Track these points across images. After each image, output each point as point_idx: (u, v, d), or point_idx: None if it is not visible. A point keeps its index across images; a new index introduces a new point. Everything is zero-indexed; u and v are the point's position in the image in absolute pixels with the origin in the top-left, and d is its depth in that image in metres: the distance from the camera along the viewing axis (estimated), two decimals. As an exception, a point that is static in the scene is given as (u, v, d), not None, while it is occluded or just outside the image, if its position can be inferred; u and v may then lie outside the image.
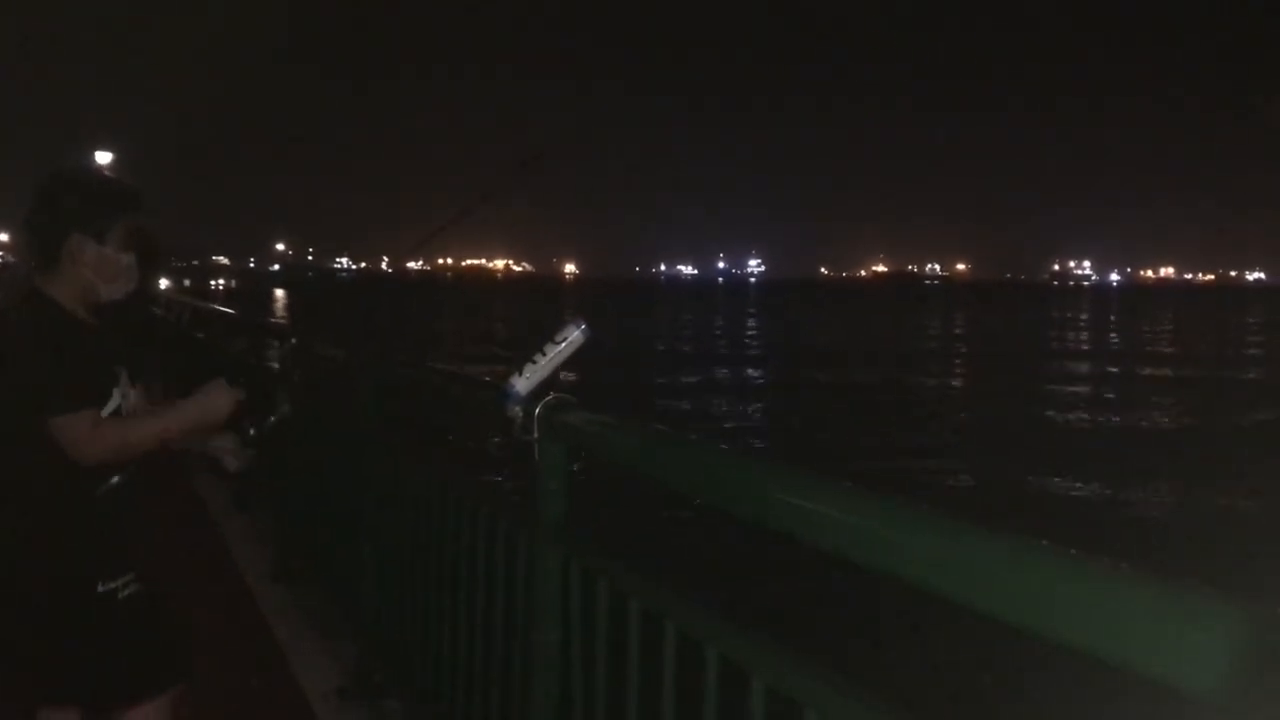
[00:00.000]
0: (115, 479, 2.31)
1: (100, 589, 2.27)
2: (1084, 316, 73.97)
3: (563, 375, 2.07)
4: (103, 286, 2.33)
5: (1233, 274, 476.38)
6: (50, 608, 2.27)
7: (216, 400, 2.36)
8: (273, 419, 2.68)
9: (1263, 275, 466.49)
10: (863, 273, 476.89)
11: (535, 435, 2.08)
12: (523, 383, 2.08)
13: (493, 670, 2.46)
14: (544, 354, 2.08)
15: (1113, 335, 50.76)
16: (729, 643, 1.52)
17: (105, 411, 2.26)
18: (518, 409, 2.09)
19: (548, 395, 2.08)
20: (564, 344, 2.08)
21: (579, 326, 2.09)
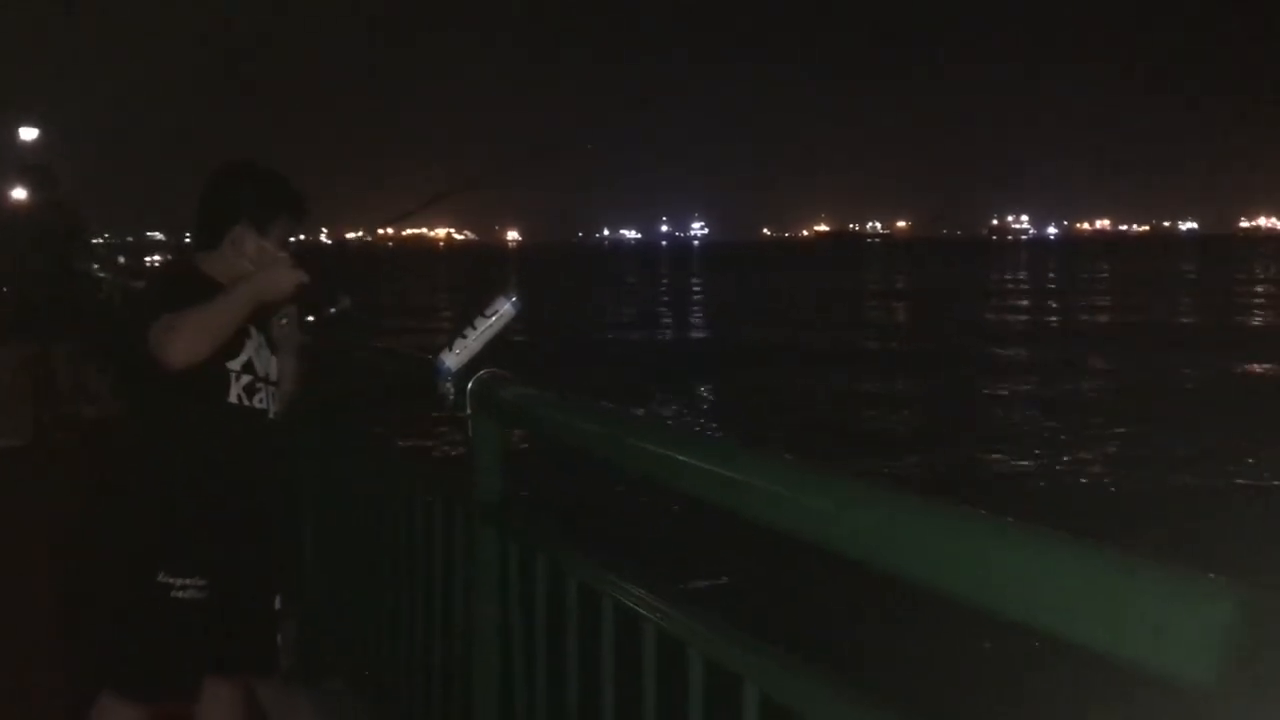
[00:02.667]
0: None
1: (160, 578, 2.26)
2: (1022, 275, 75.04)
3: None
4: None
5: (1166, 224, 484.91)
6: (108, 581, 2.34)
7: (278, 277, 2.33)
8: (333, 310, 2.60)
9: (1195, 225, 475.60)
10: (805, 232, 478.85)
11: (468, 411, 2.04)
12: (453, 358, 2.04)
13: (433, 648, 2.43)
14: (474, 328, 2.04)
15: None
16: (667, 617, 1.50)
17: (236, 363, 2.32)
18: (449, 385, 2.05)
19: (480, 370, 2.05)
20: (494, 317, 2.04)
21: (510, 299, 2.05)
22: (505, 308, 2.04)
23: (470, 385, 2.02)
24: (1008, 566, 0.92)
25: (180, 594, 2.28)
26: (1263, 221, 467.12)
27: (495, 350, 2.05)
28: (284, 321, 2.53)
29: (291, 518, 3.26)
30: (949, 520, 1.01)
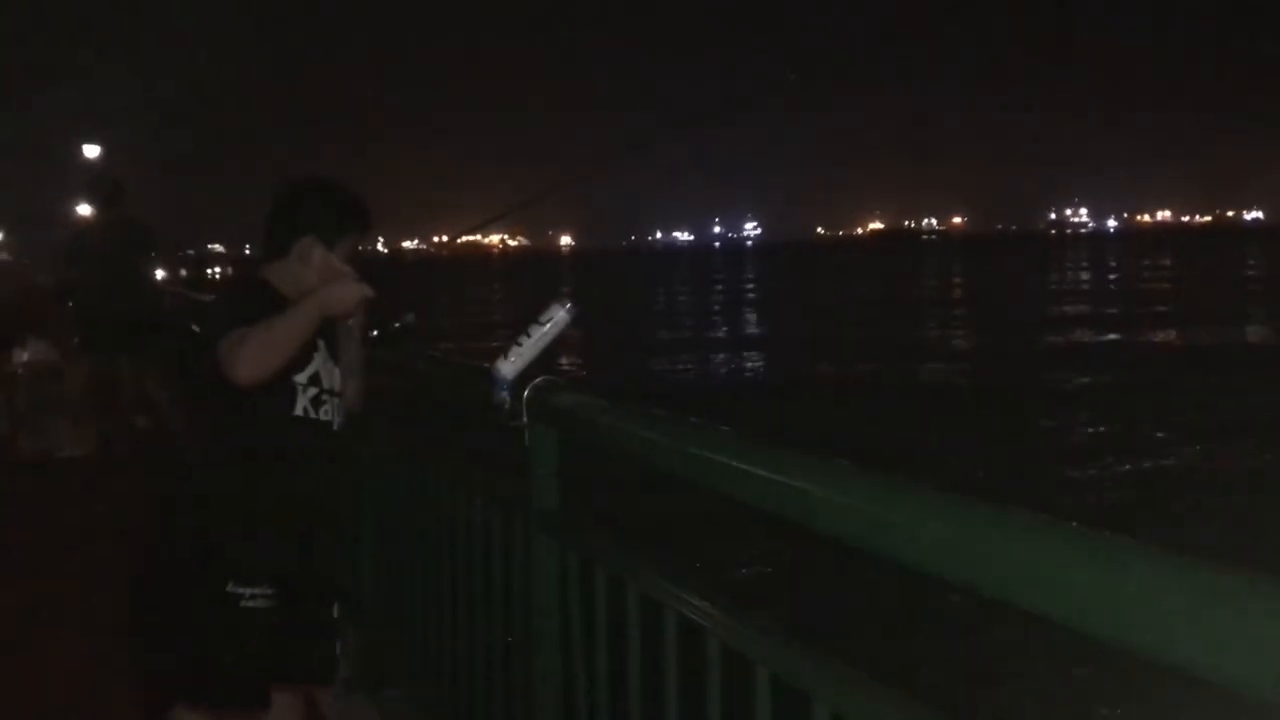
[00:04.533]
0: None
1: (229, 588, 2.28)
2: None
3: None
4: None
5: (1230, 214, 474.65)
6: (179, 590, 2.37)
7: (344, 292, 2.34)
8: (396, 325, 2.62)
9: (1260, 215, 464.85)
10: (859, 230, 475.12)
11: (524, 420, 2.02)
12: (508, 366, 2.02)
13: (494, 657, 2.42)
14: (529, 335, 2.02)
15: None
16: (730, 630, 1.47)
17: (303, 376, 2.34)
18: (505, 394, 2.03)
19: (536, 378, 2.03)
20: (549, 325, 2.01)
21: (564, 306, 2.03)
22: (560, 314, 2.02)
23: (526, 393, 2.00)
24: (1083, 578, 0.89)
25: (249, 603, 2.30)
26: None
27: (551, 359, 2.03)
28: (352, 332, 2.55)
29: (352, 527, 3.28)
30: (1032, 532, 0.97)
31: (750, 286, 55.53)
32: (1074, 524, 0.94)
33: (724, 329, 27.05)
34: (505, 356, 2.03)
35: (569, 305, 2.03)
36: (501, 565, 2.30)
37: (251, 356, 2.14)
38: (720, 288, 53.30)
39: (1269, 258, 71.49)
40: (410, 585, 3.01)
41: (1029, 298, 37.32)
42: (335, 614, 2.57)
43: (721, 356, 19.07)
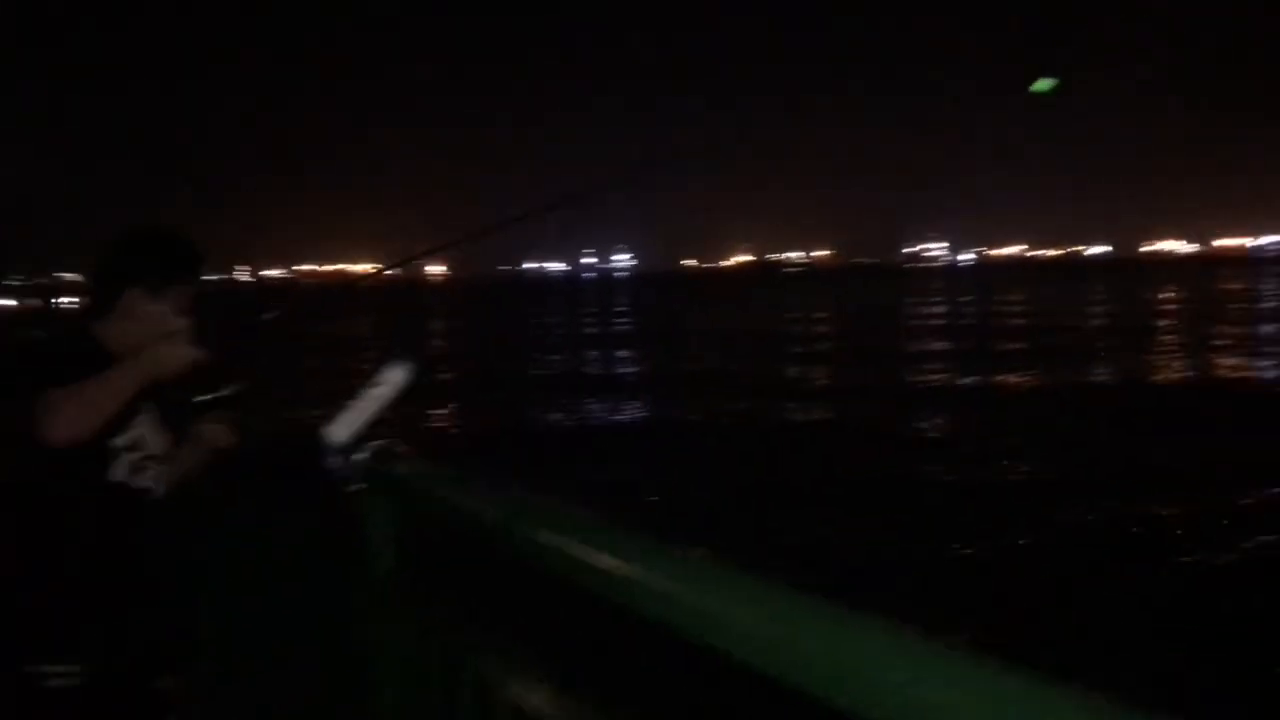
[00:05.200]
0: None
1: (30, 668, 2.11)
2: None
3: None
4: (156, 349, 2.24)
5: (1077, 249, 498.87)
6: None
7: (171, 355, 2.23)
8: (225, 392, 2.47)
9: (1105, 249, 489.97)
10: (728, 262, 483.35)
11: (358, 486, 1.94)
12: (340, 429, 1.94)
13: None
14: (363, 397, 1.95)
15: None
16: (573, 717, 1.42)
17: (123, 440, 2.21)
18: (339, 458, 1.95)
19: (372, 441, 1.95)
20: (385, 386, 1.95)
21: (401, 366, 1.96)
22: (396, 375, 1.95)
23: (361, 458, 1.92)
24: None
25: (56, 683, 2.15)
26: (1165, 245, 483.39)
27: (392, 420, 1.96)
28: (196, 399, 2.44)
29: (185, 596, 3.13)
30: (843, 628, 0.96)
31: (623, 320, 55.80)
32: (889, 624, 0.93)
33: (598, 365, 26.92)
34: (338, 420, 1.95)
35: (406, 366, 1.96)
36: (337, 634, 2.21)
37: (67, 418, 2.03)
38: (592, 321, 53.42)
39: (1111, 290, 75.61)
40: (247, 655, 2.88)
41: (889, 334, 38.36)
42: (165, 687, 2.44)
43: (596, 397, 18.83)
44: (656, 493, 10.57)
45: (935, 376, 21.25)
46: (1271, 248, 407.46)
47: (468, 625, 1.73)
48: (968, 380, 20.27)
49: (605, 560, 1.27)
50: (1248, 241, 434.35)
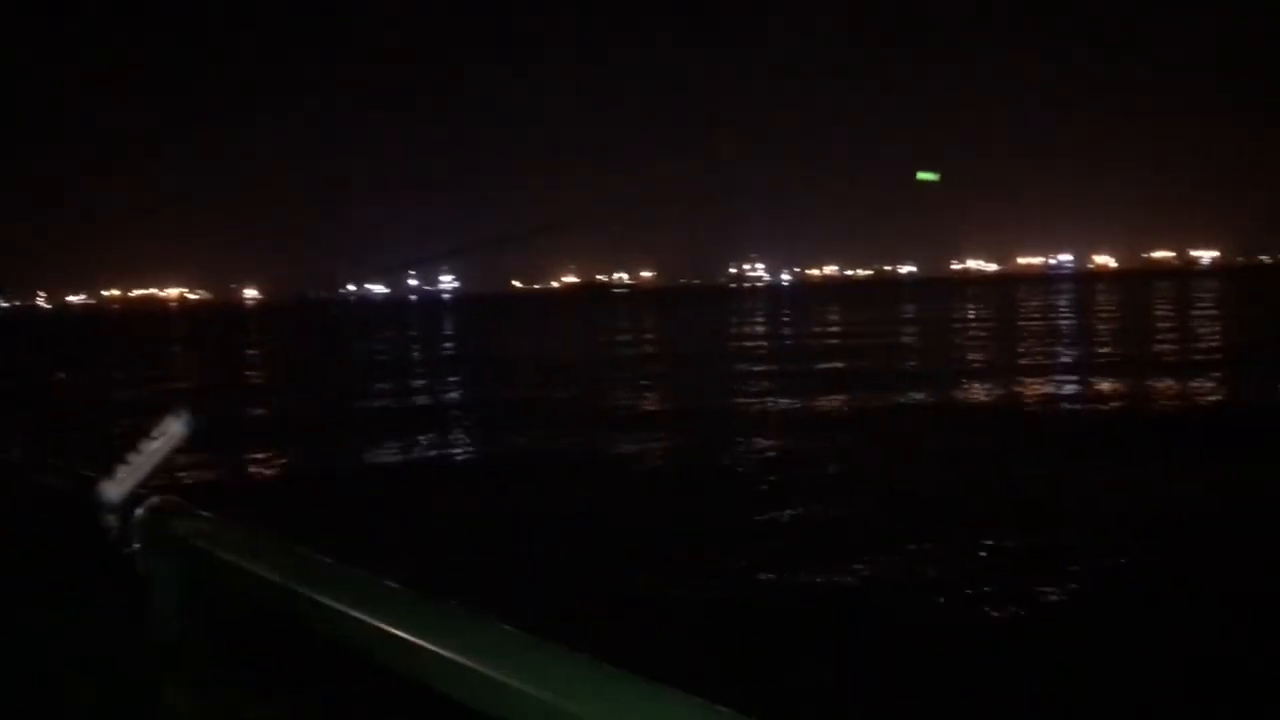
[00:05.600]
0: None
1: None
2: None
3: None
4: None
5: (887, 268, 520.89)
6: None
7: None
8: None
9: (914, 268, 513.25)
10: (554, 284, 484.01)
11: (135, 546, 1.79)
12: (115, 487, 1.78)
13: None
14: (139, 452, 1.80)
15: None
16: None
17: None
18: (111, 517, 1.79)
19: (151, 498, 1.80)
20: (162, 439, 1.80)
21: (180, 418, 1.82)
22: (175, 428, 1.81)
23: (137, 516, 1.77)
24: None
25: None
26: (972, 263, 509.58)
27: (169, 476, 1.81)
28: None
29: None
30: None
31: (448, 344, 54.95)
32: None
33: (427, 396, 26.10)
34: (113, 476, 1.79)
35: (185, 418, 1.82)
36: (117, 711, 2.03)
37: None
38: (417, 347, 52.32)
39: (921, 309, 79.27)
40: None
41: (714, 355, 38.92)
42: None
43: (424, 432, 18.04)
44: (475, 542, 10.12)
45: (758, 400, 21.55)
46: (1066, 266, 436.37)
47: (259, 699, 1.61)
48: (786, 402, 20.63)
49: (392, 628, 1.19)
50: (1046, 260, 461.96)
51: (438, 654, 1.13)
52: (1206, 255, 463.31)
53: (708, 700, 0.91)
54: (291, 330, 78.62)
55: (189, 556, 1.77)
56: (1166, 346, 33.09)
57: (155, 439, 1.80)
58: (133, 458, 1.79)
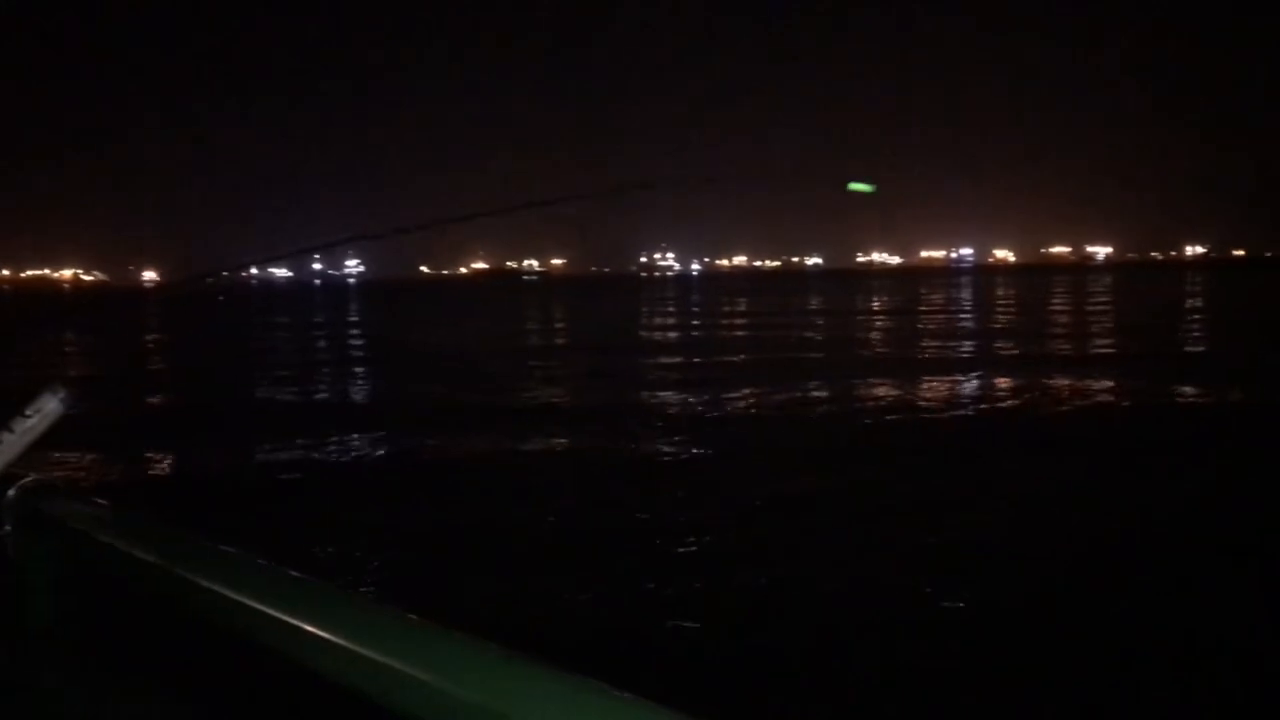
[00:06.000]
0: None
1: None
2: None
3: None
4: None
5: (795, 260, 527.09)
6: None
7: None
8: None
9: (820, 260, 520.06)
10: (463, 270, 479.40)
11: (6, 529, 1.72)
12: (-16, 466, 1.70)
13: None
14: (11, 430, 1.72)
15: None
16: None
17: None
18: (-19, 497, 1.72)
19: (25, 478, 1.73)
20: (36, 417, 1.72)
21: (56, 395, 1.74)
22: (51, 405, 1.73)
23: (8, 497, 1.70)
24: None
25: None
26: (876, 256, 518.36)
27: (39, 455, 1.74)
28: None
29: None
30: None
31: (356, 334, 53.97)
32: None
33: (331, 392, 25.00)
34: (-18, 455, 1.71)
35: (62, 394, 1.75)
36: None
37: None
38: (323, 336, 51.28)
39: (828, 300, 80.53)
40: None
41: (625, 347, 38.95)
42: None
43: (331, 432, 16.60)
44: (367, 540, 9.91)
45: (668, 394, 21.50)
46: (967, 260, 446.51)
47: (137, 684, 1.56)
48: (696, 399, 20.56)
49: (272, 609, 1.16)
50: (948, 254, 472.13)
51: (318, 635, 1.10)
52: (1101, 251, 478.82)
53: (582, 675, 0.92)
54: (191, 316, 76.54)
55: (64, 539, 1.71)
56: (1058, 345, 34.07)
57: (30, 416, 1.72)
58: (4, 436, 1.71)
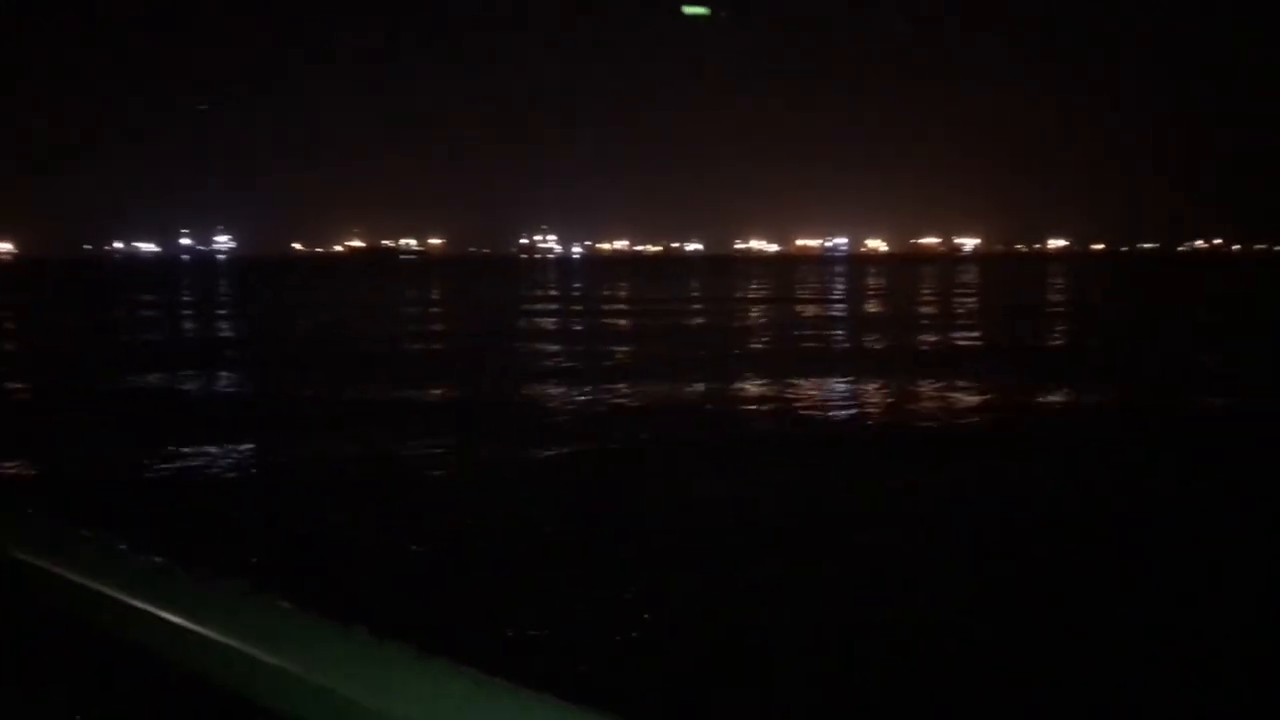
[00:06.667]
0: None
1: None
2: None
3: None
4: None
5: (675, 245, 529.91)
6: None
7: None
8: None
9: (700, 246, 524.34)
10: (338, 248, 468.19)
11: None
12: None
13: None
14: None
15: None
16: None
17: None
18: None
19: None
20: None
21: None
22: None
23: None
24: None
25: None
26: (754, 244, 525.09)
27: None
28: None
29: None
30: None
31: (223, 313, 52.28)
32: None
33: (197, 381, 23.30)
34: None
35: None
36: None
37: None
38: (190, 318, 49.48)
39: (709, 287, 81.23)
40: None
41: (507, 334, 38.63)
42: None
43: (195, 432, 15.52)
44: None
45: (551, 389, 21.44)
46: (841, 249, 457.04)
47: (33, 695, 1.52)
48: (582, 395, 20.44)
49: (164, 612, 1.11)
50: (823, 242, 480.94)
51: (211, 639, 1.06)
52: (969, 243, 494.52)
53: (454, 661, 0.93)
54: (56, 295, 73.01)
55: None
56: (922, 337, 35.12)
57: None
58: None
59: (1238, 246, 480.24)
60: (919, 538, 9.87)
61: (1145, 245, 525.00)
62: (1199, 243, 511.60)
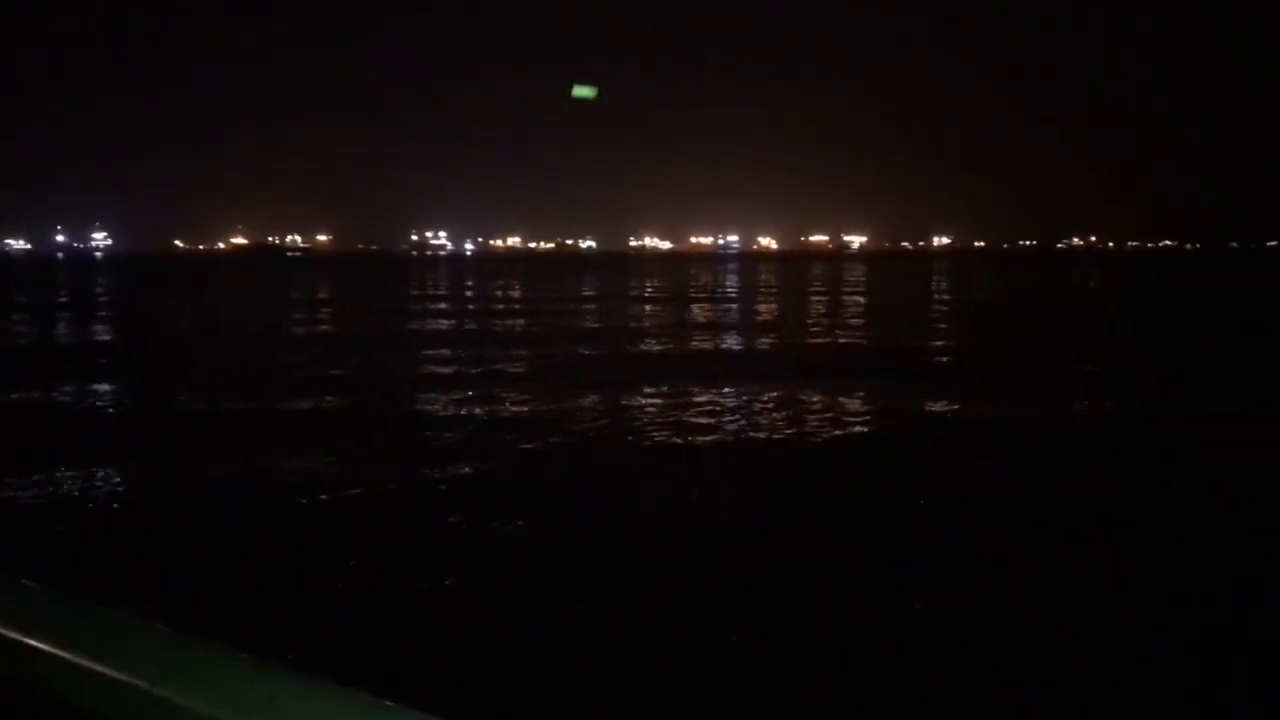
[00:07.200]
0: None
1: None
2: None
3: None
4: None
5: (569, 242, 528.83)
6: None
7: None
8: None
9: (594, 243, 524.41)
10: (221, 245, 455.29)
11: None
12: None
13: None
14: None
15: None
16: None
17: None
18: None
19: None
20: None
21: None
22: None
23: None
24: None
25: None
26: (648, 241, 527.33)
27: None
28: None
29: None
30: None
31: (102, 314, 50.39)
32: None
33: (73, 387, 22.15)
34: None
35: None
36: None
37: None
38: (66, 320, 47.61)
39: (603, 285, 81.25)
40: None
41: (393, 335, 38.14)
42: None
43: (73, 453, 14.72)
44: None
45: (440, 400, 21.14)
46: (733, 246, 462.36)
47: None
48: (478, 410, 20.01)
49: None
50: (715, 240, 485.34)
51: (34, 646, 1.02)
52: (856, 240, 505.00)
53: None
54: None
55: None
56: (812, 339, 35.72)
57: None
58: None
59: (1112, 244, 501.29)
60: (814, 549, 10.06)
61: (1025, 243, 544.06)
62: (1076, 240, 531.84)
